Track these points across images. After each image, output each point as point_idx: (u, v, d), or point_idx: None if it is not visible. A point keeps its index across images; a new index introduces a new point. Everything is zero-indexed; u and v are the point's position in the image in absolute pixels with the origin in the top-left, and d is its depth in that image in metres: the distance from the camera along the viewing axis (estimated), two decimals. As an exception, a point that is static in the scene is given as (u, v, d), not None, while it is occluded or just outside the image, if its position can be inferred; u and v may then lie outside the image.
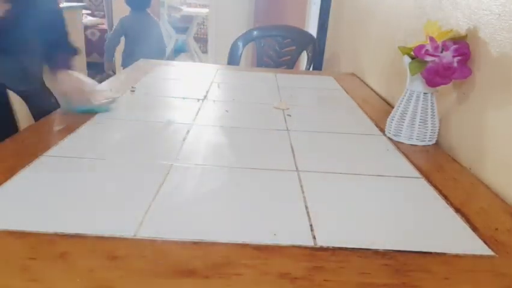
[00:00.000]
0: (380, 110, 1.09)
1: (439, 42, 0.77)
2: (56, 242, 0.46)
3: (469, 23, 0.79)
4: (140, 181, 0.62)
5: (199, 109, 1.01)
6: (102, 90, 1.03)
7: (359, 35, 1.61)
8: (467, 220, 0.56)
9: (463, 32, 0.80)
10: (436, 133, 0.85)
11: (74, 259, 0.43)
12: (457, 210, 0.59)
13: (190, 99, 1.10)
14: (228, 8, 3.74)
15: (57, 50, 0.98)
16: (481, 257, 0.49)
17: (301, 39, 1.94)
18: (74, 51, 1.02)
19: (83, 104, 0.93)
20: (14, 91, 0.94)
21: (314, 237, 0.50)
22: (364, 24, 1.52)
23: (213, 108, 1.03)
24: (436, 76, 0.77)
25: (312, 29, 2.62)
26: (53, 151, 0.71)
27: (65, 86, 0.94)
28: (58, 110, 0.94)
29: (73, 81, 0.94)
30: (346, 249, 0.48)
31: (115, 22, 2.93)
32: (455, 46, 0.76)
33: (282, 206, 0.58)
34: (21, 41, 0.94)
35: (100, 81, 1.22)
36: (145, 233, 0.49)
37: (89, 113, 0.91)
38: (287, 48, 1.96)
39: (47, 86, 1.01)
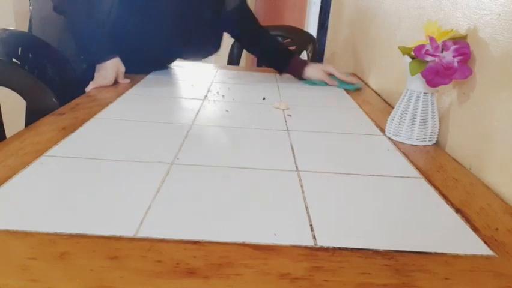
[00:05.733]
0: (380, 110, 1.09)
1: (439, 42, 0.77)
2: (56, 242, 0.46)
3: (469, 23, 0.79)
4: (140, 181, 0.62)
5: (199, 109, 1.01)
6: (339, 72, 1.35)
7: (359, 35, 1.61)
8: (467, 220, 0.56)
9: (463, 32, 0.80)
10: (436, 133, 0.85)
11: (74, 259, 0.43)
12: (457, 210, 0.59)
13: (190, 99, 1.10)
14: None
15: (291, 59, 1.38)
16: (481, 257, 0.48)
17: (301, 39, 1.93)
18: (293, 52, 1.42)
19: (333, 84, 1.32)
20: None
21: (314, 237, 0.50)
22: (364, 24, 1.52)
23: (213, 108, 1.03)
24: (436, 76, 0.77)
25: (312, 29, 2.62)
26: (53, 151, 0.71)
27: (317, 75, 1.33)
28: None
29: (319, 69, 1.34)
30: (346, 249, 0.48)
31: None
32: (455, 46, 0.76)
33: (282, 206, 0.58)
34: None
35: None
36: (145, 233, 0.49)
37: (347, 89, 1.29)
38: (287, 48, 1.96)
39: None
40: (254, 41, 1.44)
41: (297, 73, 1.37)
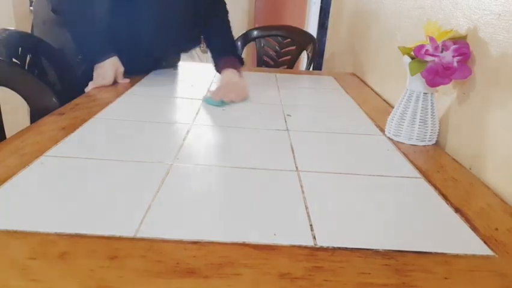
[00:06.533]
0: (380, 110, 1.09)
1: (439, 42, 0.77)
2: (56, 242, 0.46)
3: (469, 23, 0.79)
4: (140, 181, 0.62)
5: (199, 109, 1.01)
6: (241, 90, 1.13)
7: (359, 35, 1.61)
8: (467, 220, 0.56)
9: (463, 32, 0.80)
10: (436, 133, 0.85)
11: (74, 259, 0.44)
12: (457, 210, 0.59)
13: (190, 99, 1.10)
14: (228, 8, 3.74)
15: (225, 54, 1.30)
16: (481, 257, 0.49)
17: (301, 39, 1.94)
18: (241, 61, 1.33)
19: (216, 98, 1.06)
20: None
21: (314, 237, 0.50)
22: (364, 24, 1.52)
23: (213, 108, 1.03)
24: (436, 76, 0.77)
25: (312, 29, 2.62)
26: (53, 151, 0.71)
27: (223, 80, 1.20)
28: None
29: (228, 77, 1.19)
30: (346, 249, 0.48)
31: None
32: (455, 46, 0.76)
33: (282, 206, 0.58)
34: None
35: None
36: (145, 233, 0.49)
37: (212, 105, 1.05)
38: (287, 48, 1.96)
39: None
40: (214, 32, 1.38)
41: (218, 68, 1.29)
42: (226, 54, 1.32)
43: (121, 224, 0.50)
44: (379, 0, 1.36)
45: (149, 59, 1.30)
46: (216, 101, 1.05)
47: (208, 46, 1.40)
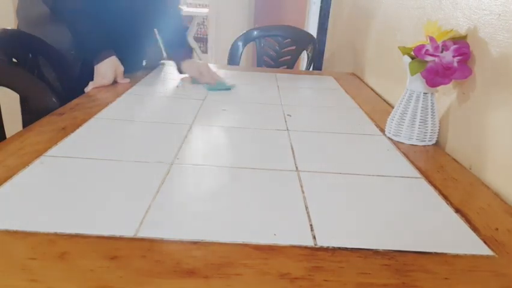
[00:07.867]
0: (380, 110, 1.09)
1: (439, 42, 0.77)
2: (56, 242, 0.46)
3: (469, 23, 0.79)
4: (140, 181, 0.62)
5: (199, 109, 1.01)
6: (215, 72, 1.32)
7: (359, 35, 1.61)
8: (467, 220, 0.56)
9: (463, 32, 0.80)
10: (436, 133, 0.85)
11: (74, 259, 0.44)
12: (457, 210, 0.59)
13: (190, 99, 1.10)
14: (228, 8, 3.74)
15: (180, 48, 1.39)
16: (481, 257, 0.49)
17: (301, 39, 1.93)
18: (191, 50, 1.54)
19: (207, 83, 1.25)
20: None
21: (314, 237, 0.50)
22: (364, 24, 1.52)
23: (213, 108, 1.03)
24: (436, 76, 0.77)
25: (312, 29, 2.62)
26: (53, 151, 0.71)
27: (191, 72, 1.31)
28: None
29: (194, 67, 1.31)
30: (346, 249, 0.48)
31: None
32: (455, 46, 0.76)
33: (282, 206, 0.58)
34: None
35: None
36: (145, 233, 0.49)
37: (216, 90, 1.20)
38: (287, 48, 1.96)
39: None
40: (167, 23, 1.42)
41: (177, 63, 1.36)
42: (181, 47, 1.41)
43: (121, 224, 0.50)
44: (379, 0, 1.36)
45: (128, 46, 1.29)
46: (219, 85, 1.23)
47: (162, 38, 1.46)
